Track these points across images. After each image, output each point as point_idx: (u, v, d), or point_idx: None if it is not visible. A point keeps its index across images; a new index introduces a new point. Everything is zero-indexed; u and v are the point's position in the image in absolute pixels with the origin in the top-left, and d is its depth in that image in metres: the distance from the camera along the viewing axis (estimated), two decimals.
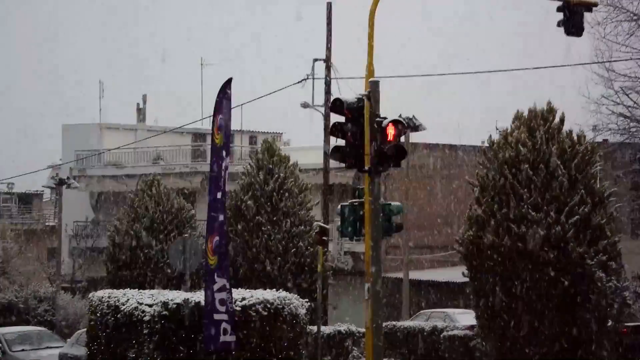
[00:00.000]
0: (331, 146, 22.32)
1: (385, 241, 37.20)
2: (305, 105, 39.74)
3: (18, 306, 43.44)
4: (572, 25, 21.91)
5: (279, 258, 35.65)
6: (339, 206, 20.74)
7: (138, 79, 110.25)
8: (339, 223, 20.79)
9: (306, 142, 52.46)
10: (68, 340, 33.62)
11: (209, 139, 34.78)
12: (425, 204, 48.26)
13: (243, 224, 36.00)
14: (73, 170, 57.16)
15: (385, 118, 19.22)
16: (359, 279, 39.74)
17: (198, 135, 59.93)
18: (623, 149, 38.85)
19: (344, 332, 33.64)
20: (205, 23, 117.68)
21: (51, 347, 33.04)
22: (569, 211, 26.43)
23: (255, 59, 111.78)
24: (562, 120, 27.79)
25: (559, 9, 22.00)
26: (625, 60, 35.64)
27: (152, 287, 34.11)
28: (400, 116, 20.88)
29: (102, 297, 21.25)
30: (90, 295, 22.36)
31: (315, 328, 29.13)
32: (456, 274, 33.78)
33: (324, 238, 28.57)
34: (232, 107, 19.82)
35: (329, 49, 37.50)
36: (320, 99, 38.70)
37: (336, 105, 19.55)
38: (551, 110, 27.82)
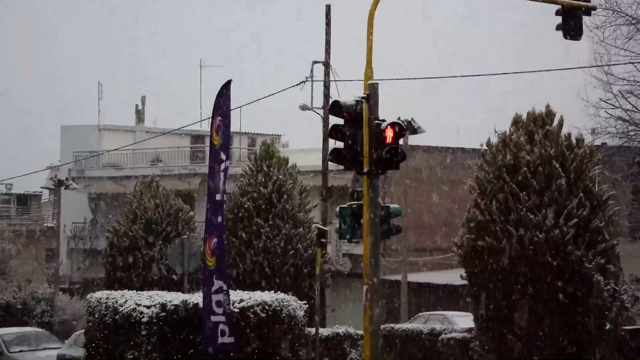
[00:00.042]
0: (330, 148, 22.33)
1: (384, 243, 37.22)
2: (304, 108, 39.71)
3: (16, 307, 43.45)
4: (571, 29, 21.92)
5: (278, 260, 35.65)
6: (338, 208, 20.75)
7: (137, 79, 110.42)
8: (338, 225, 20.80)
9: (305, 144, 52.62)
10: (66, 341, 33.61)
11: (208, 141, 34.78)
12: (424, 206, 48.26)
13: (241, 226, 36.01)
14: (72, 172, 57.20)
15: (383, 120, 19.23)
16: (358, 281, 39.74)
17: (197, 137, 59.94)
18: (622, 153, 38.85)
19: (342, 334, 33.62)
20: (205, 23, 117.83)
21: (49, 348, 33.04)
22: (567, 214, 26.46)
23: (255, 59, 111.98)
24: (560, 124, 27.83)
25: (557, 13, 22.02)
26: (624, 63, 35.65)
27: (151, 289, 34.08)
28: (399, 119, 20.87)
29: (101, 299, 21.25)
30: (89, 296, 22.36)
31: (313, 330, 29.13)
32: (454, 277, 33.79)
33: (323, 240, 28.56)
34: (231, 108, 19.83)
35: (327, 51, 37.49)
36: (319, 101, 38.70)
37: (335, 108, 19.56)
38: (550, 114, 27.85)
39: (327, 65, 37.49)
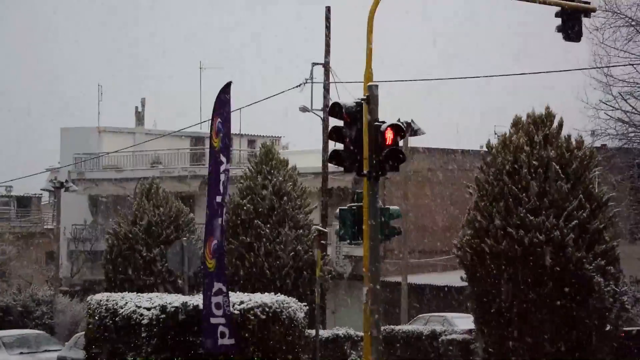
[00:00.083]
0: (330, 150, 22.34)
1: (384, 245, 37.23)
2: (303, 110, 39.72)
3: (16, 309, 43.44)
4: (571, 30, 21.95)
5: (278, 262, 35.66)
6: (338, 210, 20.76)
7: (137, 79, 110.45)
8: (338, 227, 20.81)
9: (305, 146, 52.60)
10: (66, 343, 33.61)
11: (207, 143, 34.83)
12: (423, 208, 48.25)
13: (241, 228, 36.01)
14: (71, 174, 57.21)
15: (383, 122, 19.24)
16: (358, 282, 39.75)
17: (197, 139, 59.98)
18: (621, 154, 38.85)
19: (343, 335, 33.64)
20: (205, 23, 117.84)
21: (49, 351, 33.00)
22: (567, 216, 26.46)
23: (255, 59, 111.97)
24: (560, 125, 27.83)
25: (557, 15, 22.03)
26: (624, 65, 35.66)
27: (151, 291, 34.08)
28: (398, 120, 20.93)
29: (101, 301, 21.23)
30: (89, 298, 22.33)
31: (313, 332, 29.13)
32: (455, 278, 33.80)
33: (323, 242, 28.59)
34: (231, 110, 19.82)
35: (327, 53, 37.51)
36: (319, 103, 38.73)
37: (335, 110, 19.57)
38: (549, 115, 27.85)
39: (326, 67, 37.51)
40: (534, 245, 26.19)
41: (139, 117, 63.75)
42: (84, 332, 24.27)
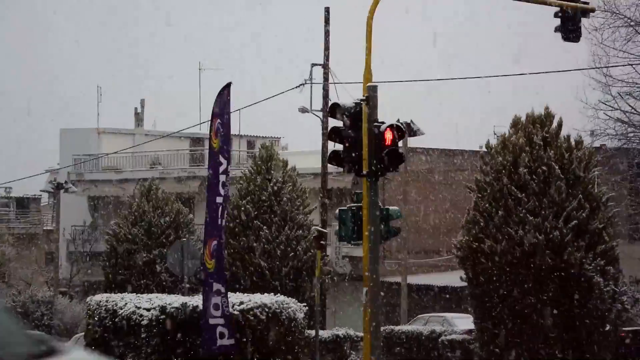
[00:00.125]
0: (329, 151, 22.34)
1: (383, 245, 37.22)
2: (303, 110, 39.72)
3: (16, 310, 43.43)
4: (570, 31, 21.94)
5: (277, 262, 35.67)
6: (337, 210, 20.76)
7: (137, 79, 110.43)
8: (337, 227, 20.81)
9: (304, 146, 52.59)
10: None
11: (207, 144, 34.84)
12: (423, 208, 48.28)
13: (241, 228, 36.02)
14: (71, 175, 57.19)
15: (383, 123, 19.24)
16: (357, 283, 39.75)
17: (196, 140, 59.98)
18: (621, 154, 38.89)
19: (342, 336, 33.63)
20: (205, 23, 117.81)
21: None
22: (567, 216, 26.46)
23: (255, 59, 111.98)
24: (559, 125, 27.83)
25: (556, 15, 22.04)
26: (623, 65, 35.75)
27: (150, 291, 34.08)
28: (398, 121, 20.92)
29: (100, 301, 21.23)
30: (88, 299, 22.33)
31: (313, 332, 29.13)
32: (454, 279, 33.79)
33: (322, 242, 28.58)
34: (230, 111, 19.83)
35: (326, 54, 37.50)
36: (318, 104, 38.73)
37: (334, 110, 19.58)
38: (549, 115, 27.86)
39: (326, 68, 37.50)
40: (533, 246, 26.20)
41: (139, 118, 63.76)
42: (83, 333, 24.27)
